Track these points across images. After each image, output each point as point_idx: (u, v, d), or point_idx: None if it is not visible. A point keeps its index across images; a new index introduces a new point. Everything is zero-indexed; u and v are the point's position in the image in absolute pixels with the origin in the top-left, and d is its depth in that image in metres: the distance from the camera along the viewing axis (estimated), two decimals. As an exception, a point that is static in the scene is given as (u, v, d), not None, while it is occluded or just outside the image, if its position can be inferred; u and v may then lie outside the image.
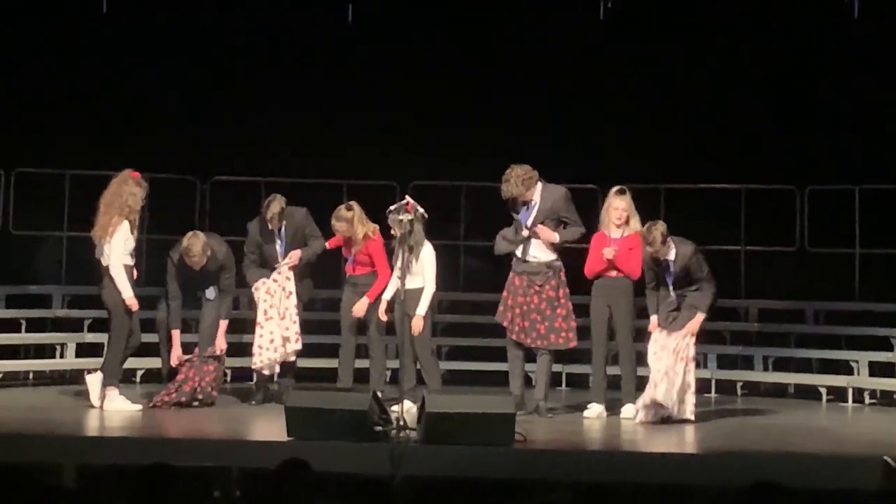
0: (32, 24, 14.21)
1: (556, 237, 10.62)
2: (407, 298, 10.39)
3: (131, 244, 10.51)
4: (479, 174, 12.19)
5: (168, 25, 14.36)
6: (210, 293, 11.01)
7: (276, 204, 11.13)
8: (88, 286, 11.60)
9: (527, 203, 10.67)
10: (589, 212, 11.39)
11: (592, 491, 4.95)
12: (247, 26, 14.59)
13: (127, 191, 10.52)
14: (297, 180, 14.04)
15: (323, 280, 11.87)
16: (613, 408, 10.83)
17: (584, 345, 11.14)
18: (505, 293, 10.77)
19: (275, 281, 11.17)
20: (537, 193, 10.68)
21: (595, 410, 10.77)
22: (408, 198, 10.32)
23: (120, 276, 10.41)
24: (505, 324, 10.72)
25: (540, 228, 10.61)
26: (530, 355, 10.87)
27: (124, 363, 10.76)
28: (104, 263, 10.53)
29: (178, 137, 14.11)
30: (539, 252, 10.67)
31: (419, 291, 10.63)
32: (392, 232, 10.64)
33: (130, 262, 10.55)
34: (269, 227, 11.16)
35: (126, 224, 10.44)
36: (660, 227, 10.34)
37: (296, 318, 11.16)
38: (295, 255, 11.19)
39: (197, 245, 10.73)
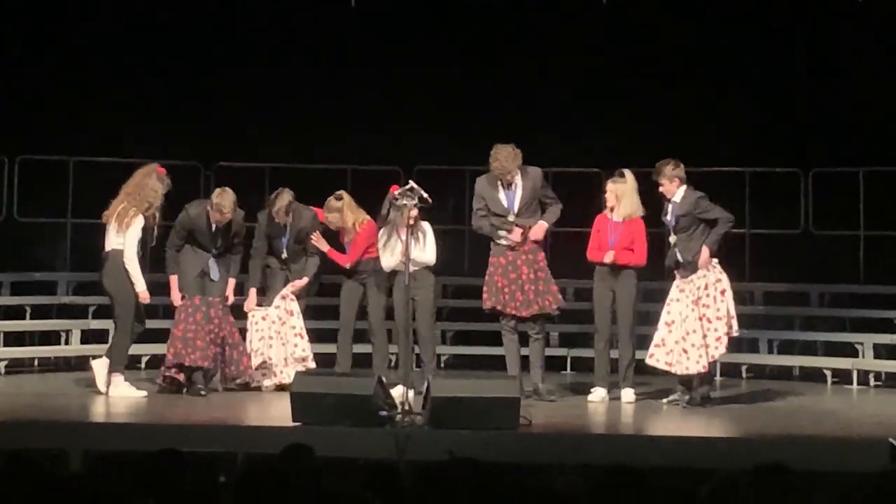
0: (35, 11, 14.19)
1: (543, 231, 10.61)
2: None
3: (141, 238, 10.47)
4: (483, 158, 12.16)
5: (172, 11, 14.34)
6: (214, 271, 10.90)
7: (284, 197, 11.09)
8: (93, 273, 11.58)
9: (510, 185, 10.63)
10: (595, 196, 11.39)
11: (599, 474, 4.94)
12: (251, 11, 14.57)
13: (150, 185, 10.47)
14: (301, 166, 14.04)
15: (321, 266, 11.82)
16: (616, 391, 10.82)
17: (589, 328, 11.14)
18: (494, 279, 10.70)
19: (276, 307, 11.13)
20: (519, 175, 10.66)
21: (599, 394, 10.76)
22: (411, 182, 10.30)
23: (134, 269, 10.39)
24: (497, 307, 10.69)
25: (532, 233, 10.60)
26: (526, 340, 10.88)
27: (129, 349, 10.76)
28: (107, 249, 10.52)
29: (182, 123, 14.10)
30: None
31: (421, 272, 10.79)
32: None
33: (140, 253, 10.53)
34: (276, 220, 11.14)
35: (141, 218, 10.41)
36: (672, 165, 10.42)
37: (305, 334, 11.16)
38: (298, 284, 11.18)
39: (227, 200, 10.69)
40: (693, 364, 10.28)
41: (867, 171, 14.13)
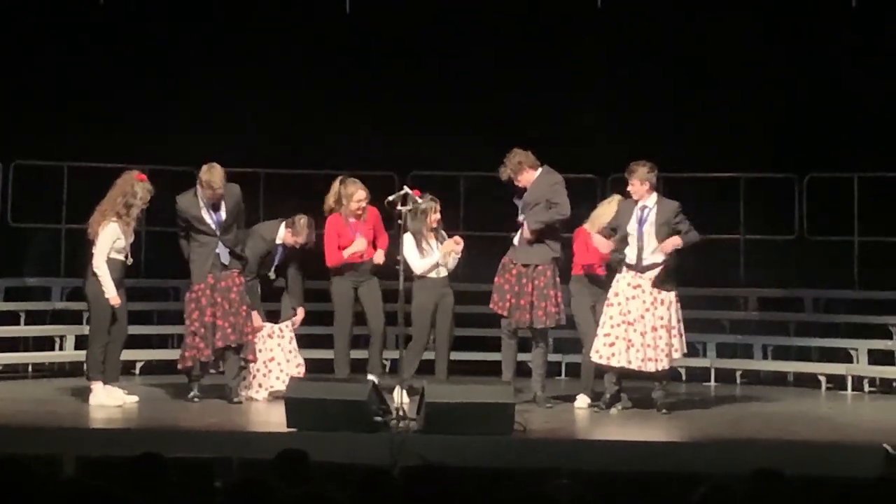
0: (32, 17, 14.17)
1: (530, 230, 10.61)
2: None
3: (121, 243, 10.28)
4: (478, 164, 12.17)
5: (166, 17, 14.34)
6: (224, 256, 10.62)
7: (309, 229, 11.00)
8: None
9: (525, 189, 10.67)
10: (588, 201, 11.39)
11: (593, 480, 4.95)
12: (245, 14, 14.55)
13: (129, 192, 10.36)
14: (295, 171, 14.03)
15: (317, 272, 11.78)
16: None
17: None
18: (498, 279, 10.73)
19: (281, 331, 11.08)
20: (533, 180, 10.66)
21: (585, 401, 10.74)
22: (406, 188, 10.30)
23: (104, 276, 10.22)
24: (503, 312, 10.68)
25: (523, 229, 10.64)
26: (524, 345, 10.87)
27: (117, 355, 10.49)
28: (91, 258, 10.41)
29: (176, 128, 14.07)
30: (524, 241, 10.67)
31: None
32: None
33: (122, 257, 10.35)
34: (290, 244, 11.05)
35: (113, 226, 10.22)
36: (648, 167, 10.24)
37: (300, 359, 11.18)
38: (297, 320, 11.21)
39: (216, 174, 10.48)
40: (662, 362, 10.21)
41: (862, 177, 14.14)
